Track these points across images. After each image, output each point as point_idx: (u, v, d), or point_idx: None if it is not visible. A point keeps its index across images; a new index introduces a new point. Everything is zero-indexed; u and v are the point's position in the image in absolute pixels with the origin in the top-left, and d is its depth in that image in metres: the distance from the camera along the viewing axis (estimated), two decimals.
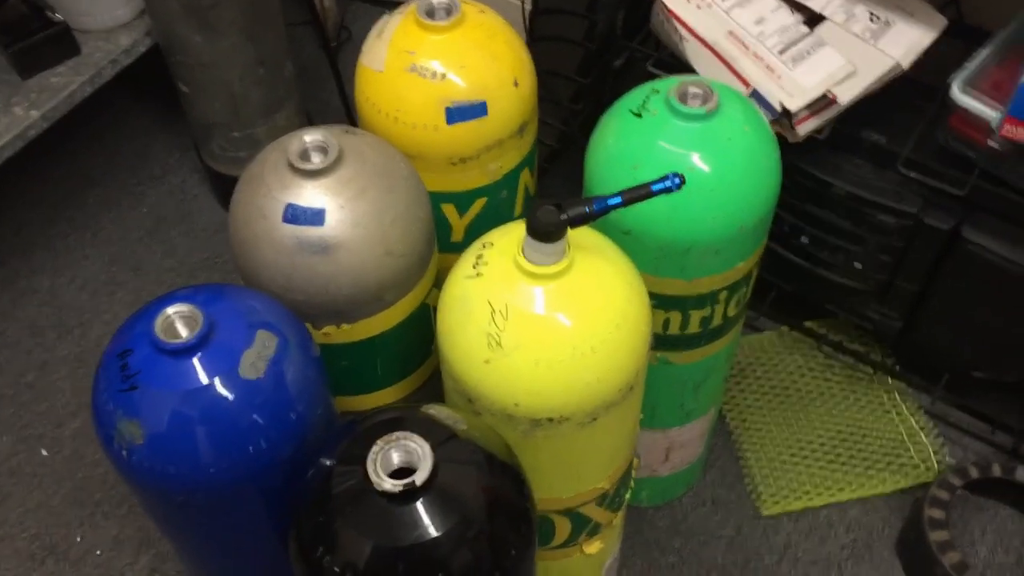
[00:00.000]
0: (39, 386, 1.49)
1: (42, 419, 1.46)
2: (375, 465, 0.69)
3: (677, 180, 0.79)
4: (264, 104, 1.52)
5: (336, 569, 0.70)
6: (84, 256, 1.64)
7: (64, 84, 1.47)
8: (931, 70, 1.17)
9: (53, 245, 1.65)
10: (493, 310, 0.81)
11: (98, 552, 1.34)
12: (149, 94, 1.82)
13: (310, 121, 1.68)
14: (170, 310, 0.77)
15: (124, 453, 0.77)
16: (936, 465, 1.35)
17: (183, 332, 0.77)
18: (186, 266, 1.63)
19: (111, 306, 1.58)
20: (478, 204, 1.08)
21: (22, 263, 1.63)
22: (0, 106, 1.43)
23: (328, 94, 1.83)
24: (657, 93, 0.94)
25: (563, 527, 1.00)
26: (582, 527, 1.01)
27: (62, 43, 1.47)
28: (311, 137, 0.90)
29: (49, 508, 1.37)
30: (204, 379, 0.76)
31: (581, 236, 0.83)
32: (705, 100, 0.92)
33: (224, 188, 1.66)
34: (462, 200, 1.08)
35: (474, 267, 0.84)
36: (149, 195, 1.72)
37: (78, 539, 1.35)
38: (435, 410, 0.78)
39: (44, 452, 1.43)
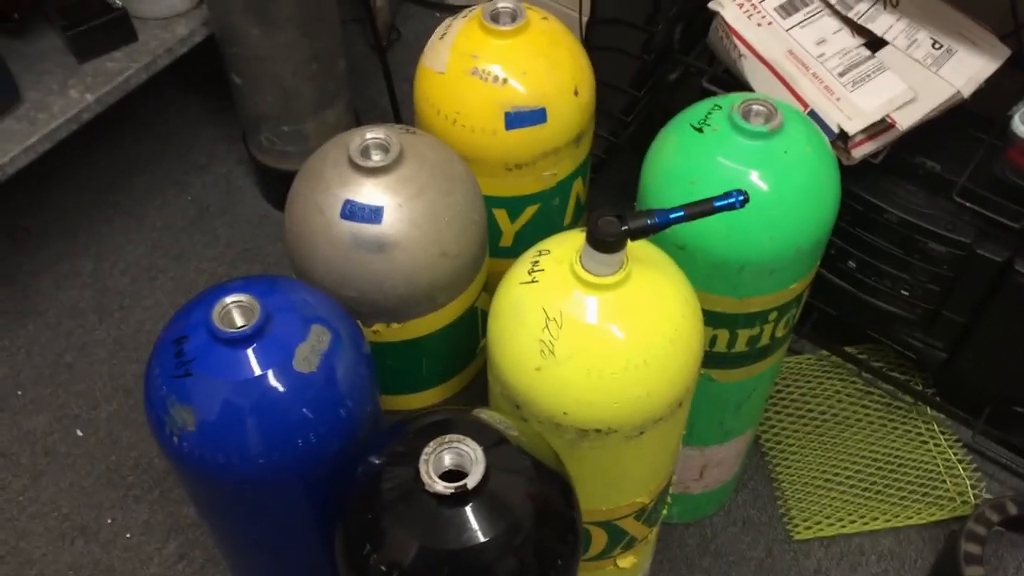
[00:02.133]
0: (77, 367, 1.50)
1: (79, 400, 1.47)
2: (427, 466, 0.69)
3: (740, 197, 0.78)
4: (315, 100, 1.52)
5: (382, 567, 0.70)
6: (128, 241, 1.65)
7: (120, 70, 1.48)
8: (989, 100, 1.16)
9: (98, 229, 1.67)
10: (547, 317, 0.81)
11: (128, 535, 1.34)
12: (200, 84, 1.83)
13: (358, 119, 1.68)
14: (228, 299, 0.77)
15: (175, 439, 0.78)
16: (973, 499, 1.34)
17: (240, 322, 0.77)
18: (227, 256, 1.64)
19: (152, 292, 1.59)
20: (530, 210, 1.08)
21: (66, 245, 1.64)
22: (56, 88, 1.45)
23: (376, 93, 1.84)
24: (719, 109, 0.93)
25: (599, 539, 0.99)
26: (618, 540, 1.00)
27: (120, 29, 1.48)
28: (372, 134, 0.90)
29: (81, 488, 1.38)
30: (258, 370, 0.76)
31: (638, 249, 0.83)
32: (768, 118, 0.91)
33: (269, 181, 1.67)
34: (514, 205, 1.07)
35: (530, 273, 0.84)
36: (194, 184, 1.73)
37: (109, 521, 1.36)
38: (486, 414, 0.78)
39: (79, 433, 1.44)
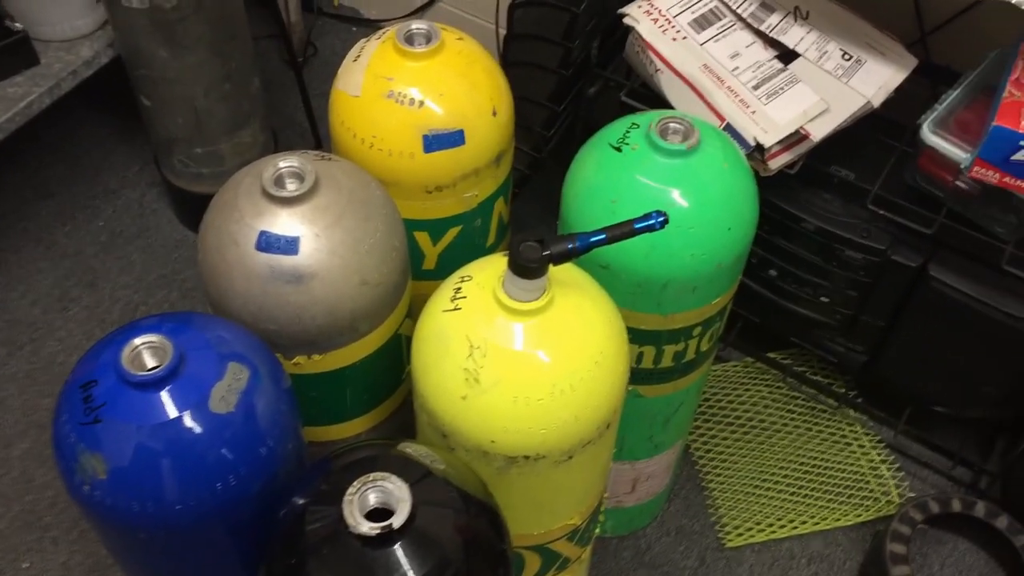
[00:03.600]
0: None
1: None
2: (351, 507, 0.68)
3: (661, 219, 0.78)
4: (229, 120, 1.49)
5: None
6: (37, 270, 1.59)
7: (22, 95, 1.42)
8: (899, 107, 1.19)
9: (4, 258, 1.60)
10: (472, 345, 0.80)
11: None
12: (108, 105, 1.77)
13: (275, 138, 1.65)
14: (138, 340, 0.74)
15: (86, 488, 0.74)
16: (897, 498, 1.36)
17: (151, 363, 0.74)
18: (144, 283, 1.59)
19: (64, 323, 1.53)
20: (452, 232, 1.07)
21: None
22: None
23: (292, 110, 1.81)
24: (637, 127, 0.93)
25: (533, 563, 0.98)
26: (552, 562, 0.99)
27: (20, 52, 1.43)
28: (286, 163, 0.87)
29: None
30: (172, 413, 0.73)
31: (561, 272, 0.82)
32: (686, 136, 0.91)
33: (184, 204, 1.63)
34: (436, 228, 1.06)
35: (452, 300, 0.82)
36: (105, 208, 1.68)
37: (25, 566, 1.30)
38: (411, 448, 0.76)
39: None
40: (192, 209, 1.55)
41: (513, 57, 1.34)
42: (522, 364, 0.79)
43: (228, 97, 1.45)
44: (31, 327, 1.53)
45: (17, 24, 1.42)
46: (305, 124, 1.73)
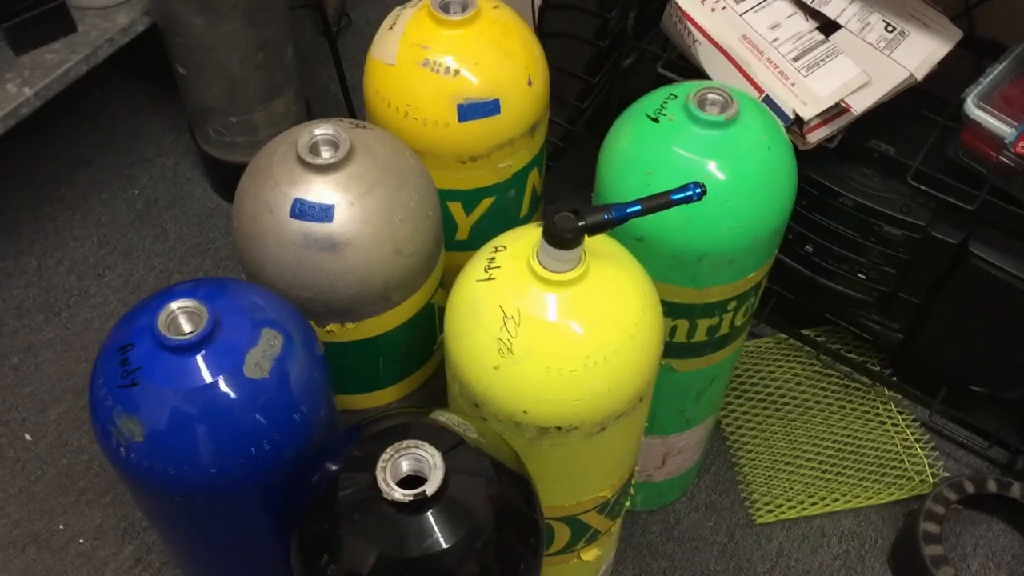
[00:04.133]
0: (24, 369, 1.46)
1: (26, 403, 1.43)
2: (384, 473, 0.68)
3: (698, 190, 0.77)
4: (263, 89, 1.49)
5: None
6: (73, 238, 1.61)
7: (59, 62, 1.43)
8: (942, 81, 1.17)
9: (42, 225, 1.62)
10: (505, 315, 0.79)
11: (81, 541, 1.31)
12: (145, 74, 1.78)
13: (308, 108, 1.65)
14: (174, 305, 0.75)
15: (122, 450, 0.75)
16: (931, 478, 1.35)
17: (187, 328, 0.75)
18: (178, 252, 1.60)
19: (100, 289, 1.55)
20: (485, 203, 1.06)
21: (9, 243, 1.59)
22: None
23: (326, 80, 1.81)
24: (675, 98, 0.92)
25: (563, 534, 0.98)
26: (581, 534, 1.00)
27: (58, 20, 1.43)
28: (321, 130, 0.87)
29: (31, 494, 1.35)
30: (207, 377, 0.74)
31: (596, 243, 0.81)
32: (724, 107, 0.90)
33: (218, 173, 1.63)
34: (469, 199, 1.06)
35: (486, 270, 0.82)
36: (140, 177, 1.69)
37: (61, 527, 1.32)
38: (444, 416, 0.76)
39: (27, 437, 1.40)
40: (226, 178, 1.56)
41: (548, 27, 1.33)
42: (556, 335, 0.79)
43: (263, 66, 1.45)
44: (67, 293, 1.54)
45: None
46: (339, 95, 1.72)
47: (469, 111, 0.97)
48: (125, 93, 1.79)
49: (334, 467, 0.73)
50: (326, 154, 0.86)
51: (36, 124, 1.49)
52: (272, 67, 1.47)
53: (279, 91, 1.51)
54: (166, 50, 1.47)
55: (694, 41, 1.16)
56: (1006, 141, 1.06)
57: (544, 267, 0.78)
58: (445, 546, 0.68)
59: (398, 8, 1.02)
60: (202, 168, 1.68)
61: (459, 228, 1.08)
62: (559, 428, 0.82)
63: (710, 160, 0.89)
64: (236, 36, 1.39)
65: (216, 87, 1.46)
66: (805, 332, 1.47)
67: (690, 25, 1.15)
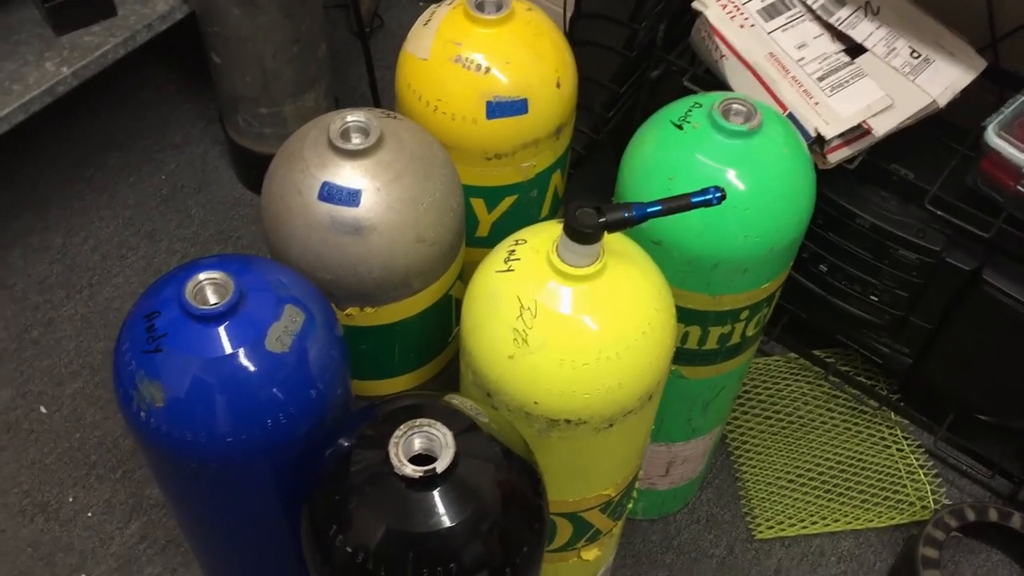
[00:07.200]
0: (43, 343, 1.49)
1: (43, 376, 1.45)
2: (397, 449, 0.69)
3: (718, 194, 0.79)
4: (295, 83, 1.51)
5: (348, 549, 0.69)
6: (99, 218, 1.64)
7: (97, 44, 1.46)
8: (964, 110, 1.18)
9: (69, 204, 1.65)
10: (522, 306, 0.81)
11: (89, 514, 1.33)
12: (179, 61, 1.81)
13: (338, 104, 1.67)
14: (202, 276, 0.77)
15: (143, 415, 0.77)
16: (932, 504, 1.36)
17: (213, 299, 0.77)
18: (200, 237, 1.62)
19: (122, 270, 1.57)
20: (507, 201, 1.08)
21: (36, 219, 1.62)
22: (32, 60, 1.43)
23: (356, 79, 1.83)
24: (700, 107, 0.94)
25: (565, 530, 1.00)
26: (583, 532, 1.01)
27: (99, 3, 1.46)
28: (353, 117, 0.89)
29: (43, 466, 1.37)
30: (229, 348, 0.76)
31: (614, 242, 0.83)
32: (748, 118, 0.92)
33: (245, 163, 1.66)
34: (492, 196, 1.08)
35: (506, 261, 0.84)
36: (169, 163, 1.72)
37: (70, 499, 1.34)
38: (457, 400, 0.78)
39: (43, 409, 1.42)
40: (253, 169, 1.59)
41: (578, 36, 1.35)
42: (570, 328, 0.81)
43: (295, 59, 1.48)
44: (90, 272, 1.57)
45: None
46: (368, 94, 1.75)
47: (497, 109, 0.99)
48: (159, 80, 1.82)
49: (347, 442, 0.75)
50: (356, 140, 0.89)
51: (71, 105, 1.52)
52: (305, 61, 1.50)
53: (310, 85, 1.54)
54: (202, 38, 1.50)
55: (721, 56, 1.18)
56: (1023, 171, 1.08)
57: (563, 261, 0.80)
58: (451, 524, 0.69)
59: (434, 5, 1.04)
60: (229, 157, 1.71)
61: (480, 224, 1.10)
62: (568, 421, 0.83)
63: (731, 168, 0.91)
64: (272, 28, 1.42)
65: (249, 77, 1.48)
66: (815, 352, 1.48)
67: (718, 40, 1.17)
